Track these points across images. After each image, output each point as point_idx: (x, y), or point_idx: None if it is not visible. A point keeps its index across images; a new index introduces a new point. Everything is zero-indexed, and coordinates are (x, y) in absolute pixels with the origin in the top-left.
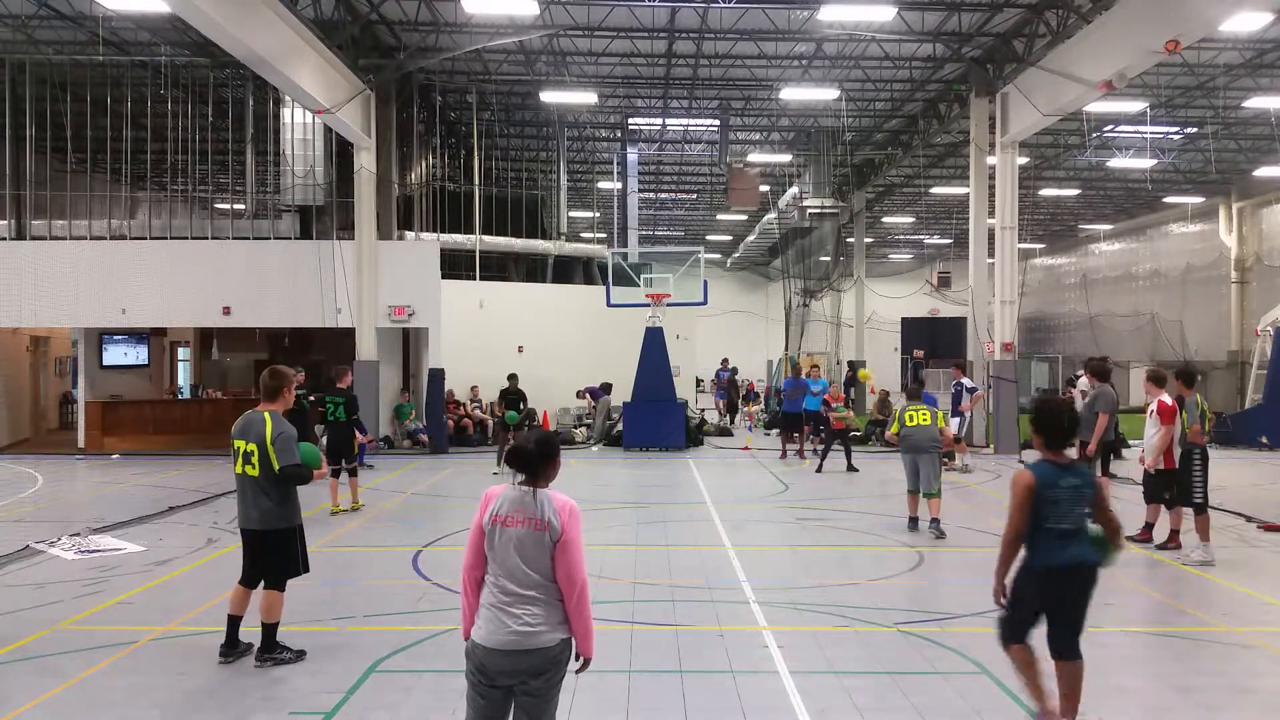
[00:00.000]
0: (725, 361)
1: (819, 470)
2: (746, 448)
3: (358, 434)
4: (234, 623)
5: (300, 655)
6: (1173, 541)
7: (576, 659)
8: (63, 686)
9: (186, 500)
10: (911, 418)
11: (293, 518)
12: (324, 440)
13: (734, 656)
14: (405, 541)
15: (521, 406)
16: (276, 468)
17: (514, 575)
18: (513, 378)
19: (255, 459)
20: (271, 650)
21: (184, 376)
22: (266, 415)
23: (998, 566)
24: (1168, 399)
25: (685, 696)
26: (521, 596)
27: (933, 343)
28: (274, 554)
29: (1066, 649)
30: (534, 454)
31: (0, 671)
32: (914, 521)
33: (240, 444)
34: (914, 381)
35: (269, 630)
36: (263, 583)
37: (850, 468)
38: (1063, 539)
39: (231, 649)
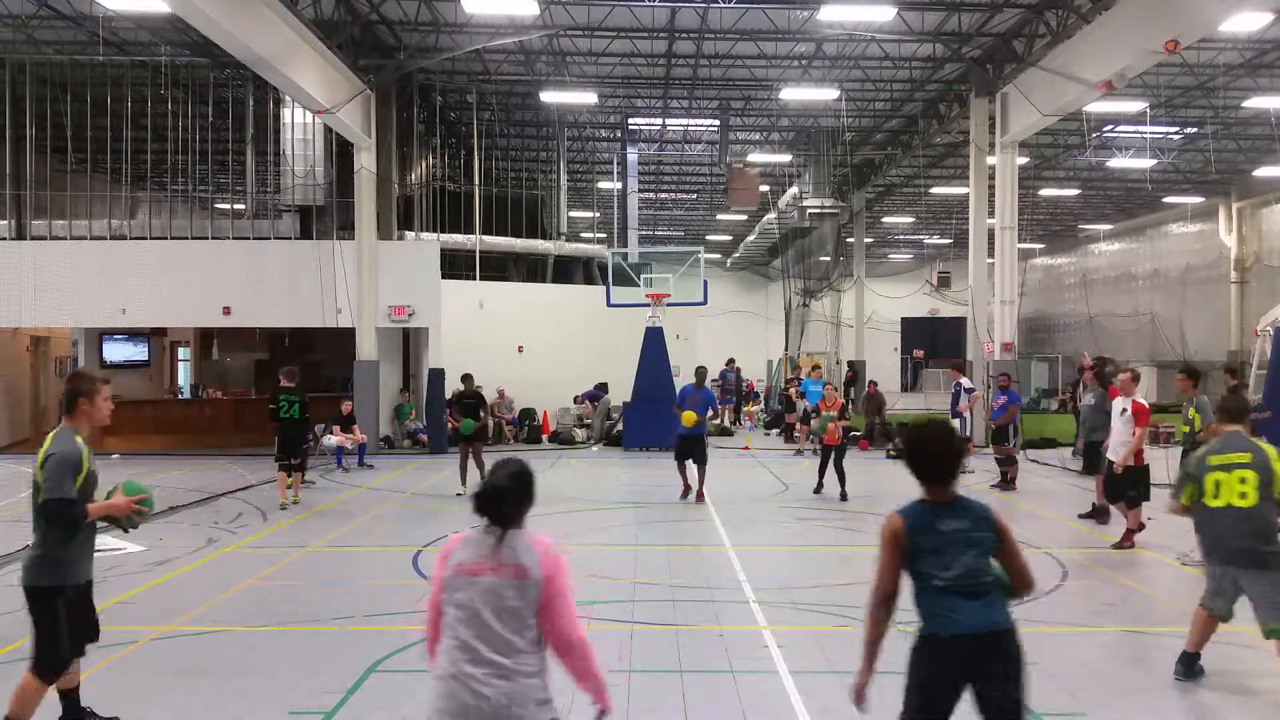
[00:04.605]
0: (731, 362)
1: (818, 491)
2: (746, 448)
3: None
4: (64, 698)
5: None
6: (1127, 540)
7: (601, 715)
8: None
9: (186, 500)
10: (1218, 487)
11: (61, 573)
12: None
13: (734, 656)
14: (405, 541)
15: (480, 414)
16: (39, 499)
17: (485, 637)
18: (467, 379)
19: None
20: None
21: (184, 376)
22: (53, 433)
23: (865, 649)
24: (1143, 400)
25: (685, 696)
26: (496, 668)
27: (933, 343)
28: (32, 618)
29: None
30: (509, 490)
31: (0, 672)
32: (1190, 661)
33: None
34: (1233, 393)
35: None
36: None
37: (842, 495)
38: (958, 597)
39: None
